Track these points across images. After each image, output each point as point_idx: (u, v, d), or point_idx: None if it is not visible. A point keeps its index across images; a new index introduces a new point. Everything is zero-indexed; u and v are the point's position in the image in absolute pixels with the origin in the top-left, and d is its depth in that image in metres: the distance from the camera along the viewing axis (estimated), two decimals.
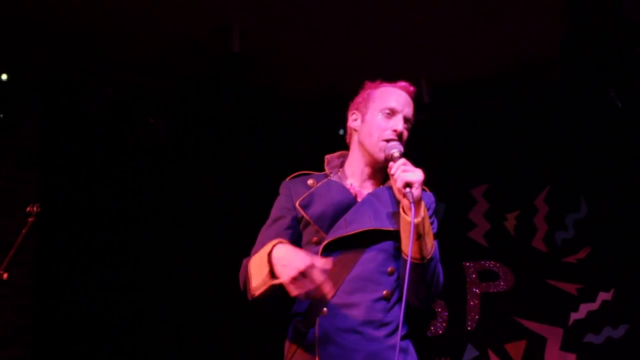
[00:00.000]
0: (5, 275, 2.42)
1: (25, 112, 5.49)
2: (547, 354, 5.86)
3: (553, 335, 5.91)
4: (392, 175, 2.36)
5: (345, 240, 2.44)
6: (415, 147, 2.54)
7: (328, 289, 2.22)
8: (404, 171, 2.33)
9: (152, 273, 5.79)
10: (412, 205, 2.26)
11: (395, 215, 2.45)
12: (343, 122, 2.70)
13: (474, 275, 6.21)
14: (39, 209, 2.79)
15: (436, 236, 2.48)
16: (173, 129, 5.73)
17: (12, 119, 5.37)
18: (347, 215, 2.48)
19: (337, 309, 2.39)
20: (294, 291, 2.19)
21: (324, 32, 5.03)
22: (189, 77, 5.48)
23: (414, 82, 2.68)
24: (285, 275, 2.19)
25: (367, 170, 2.61)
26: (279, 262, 2.24)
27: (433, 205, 2.60)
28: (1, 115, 5.18)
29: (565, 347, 5.85)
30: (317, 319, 2.40)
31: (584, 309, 5.89)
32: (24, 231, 2.74)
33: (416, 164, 2.39)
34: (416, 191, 2.30)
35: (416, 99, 2.64)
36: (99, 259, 5.61)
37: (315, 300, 2.40)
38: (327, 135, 5.95)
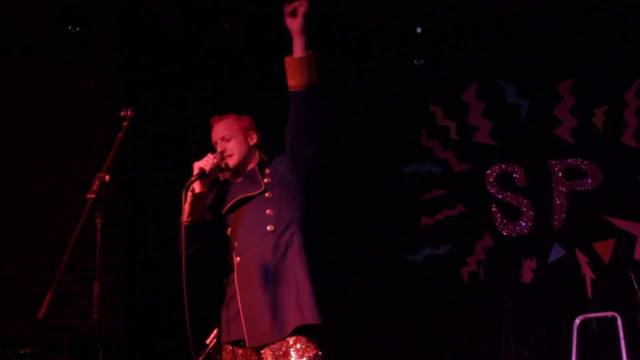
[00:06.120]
0: (107, 178, 2.51)
1: (103, 25, 5.53)
2: (638, 252, 5.72)
3: None
4: None
5: (232, 209, 3.35)
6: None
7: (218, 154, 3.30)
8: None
9: None
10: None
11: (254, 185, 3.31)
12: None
13: (560, 174, 6.07)
14: (132, 113, 2.81)
15: None
16: (249, 34, 5.70)
17: (90, 33, 5.43)
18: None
19: (242, 254, 3.20)
20: (206, 166, 3.16)
21: None
22: None
23: None
24: (194, 170, 3.15)
25: None
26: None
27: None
28: (77, 29, 5.23)
29: None
30: (235, 265, 3.21)
31: None
32: (120, 135, 2.77)
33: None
34: None
35: None
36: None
37: (231, 250, 3.27)
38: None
